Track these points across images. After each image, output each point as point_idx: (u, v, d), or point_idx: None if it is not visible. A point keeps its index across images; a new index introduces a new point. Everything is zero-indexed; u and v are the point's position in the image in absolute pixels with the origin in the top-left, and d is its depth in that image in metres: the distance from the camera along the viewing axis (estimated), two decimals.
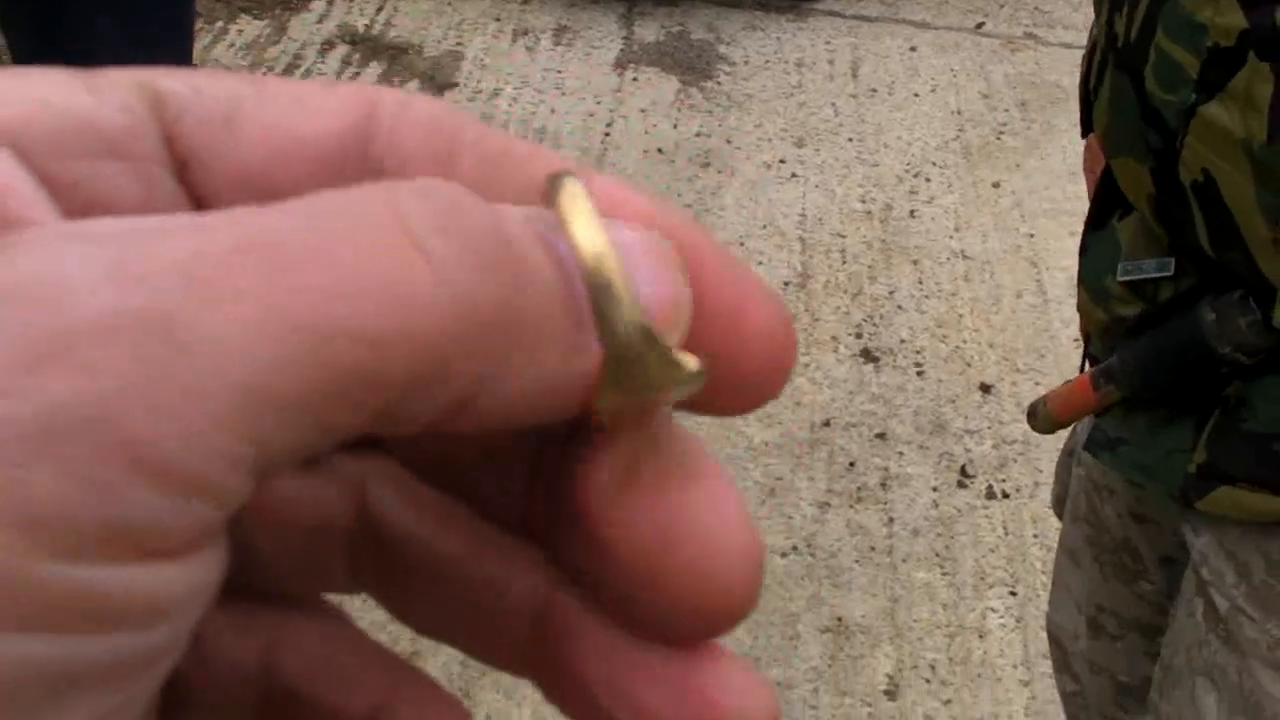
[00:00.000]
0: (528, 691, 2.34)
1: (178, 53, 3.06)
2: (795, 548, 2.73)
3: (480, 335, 0.22)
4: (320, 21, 4.37)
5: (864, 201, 3.72)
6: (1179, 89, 1.16)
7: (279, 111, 0.26)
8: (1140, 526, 1.50)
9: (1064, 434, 1.70)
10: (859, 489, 2.86)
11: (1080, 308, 1.42)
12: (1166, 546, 1.49)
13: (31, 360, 0.19)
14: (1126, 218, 1.34)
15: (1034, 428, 1.48)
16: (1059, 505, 1.71)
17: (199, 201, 0.26)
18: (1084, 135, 1.43)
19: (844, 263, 3.49)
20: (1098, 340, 1.40)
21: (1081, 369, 1.46)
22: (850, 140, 3.99)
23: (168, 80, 0.26)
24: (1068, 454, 1.68)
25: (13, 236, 0.21)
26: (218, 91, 0.26)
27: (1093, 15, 1.36)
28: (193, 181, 0.26)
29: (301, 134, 0.26)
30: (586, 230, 0.24)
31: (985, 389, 3.13)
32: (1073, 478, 1.63)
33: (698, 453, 0.26)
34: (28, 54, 2.94)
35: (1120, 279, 1.32)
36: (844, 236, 3.58)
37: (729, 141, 3.96)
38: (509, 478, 0.29)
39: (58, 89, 0.24)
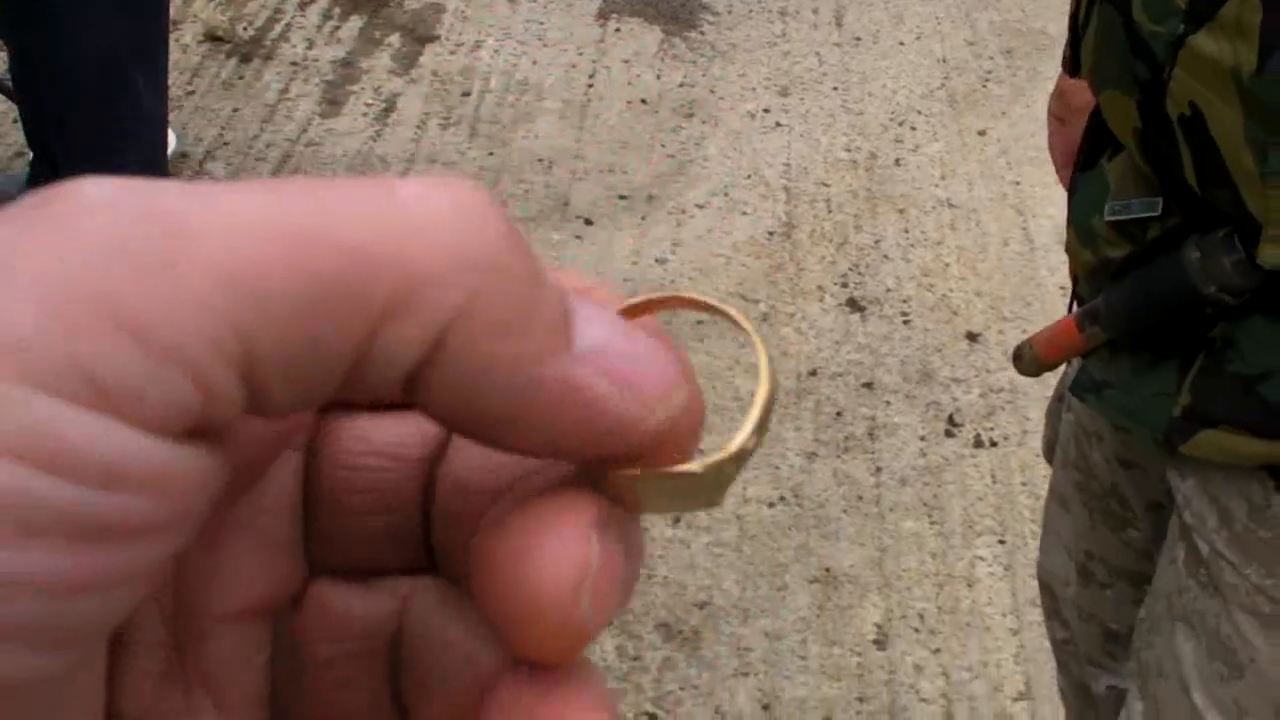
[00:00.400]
0: None
1: (155, 4, 3.03)
2: (783, 498, 2.72)
3: (465, 275, 0.24)
4: None
5: (849, 150, 3.71)
6: (1167, 19, 1.15)
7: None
8: (1128, 472, 1.49)
9: (1052, 381, 1.69)
10: (846, 439, 2.86)
11: (1068, 249, 1.40)
12: (1154, 493, 1.48)
13: (34, 229, 0.22)
14: (1116, 158, 1.33)
15: (1020, 370, 1.47)
16: (1049, 451, 1.70)
17: None
18: (1072, 75, 1.41)
19: (829, 212, 3.47)
20: (1085, 282, 1.38)
21: (1070, 311, 1.45)
22: (835, 89, 3.97)
23: None
24: (1058, 399, 1.67)
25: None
26: None
27: None
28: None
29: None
30: None
31: (972, 337, 3.12)
32: (1062, 423, 1.62)
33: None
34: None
35: (1108, 218, 1.30)
36: (829, 186, 3.57)
37: (713, 92, 3.94)
38: None
39: None
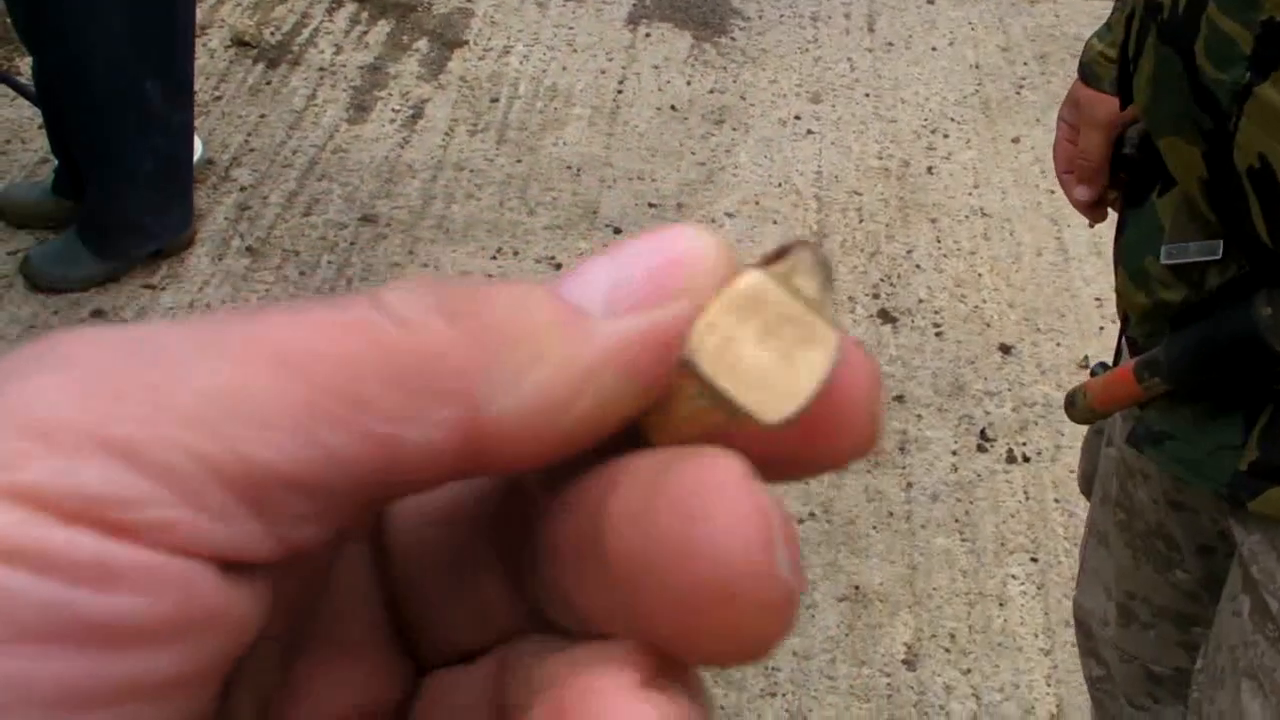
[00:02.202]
0: None
1: (171, 11, 3.03)
2: (812, 514, 2.69)
3: (450, 354, 0.24)
4: None
5: (881, 158, 3.67)
6: (1232, 66, 1.10)
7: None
8: (1177, 514, 1.45)
9: None
10: (876, 453, 2.82)
11: (1118, 290, 1.36)
12: (1205, 535, 1.44)
13: (23, 370, 0.23)
14: (1167, 193, 1.28)
15: (1072, 418, 1.43)
16: (1086, 484, 1.66)
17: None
18: (1123, 106, 1.37)
19: (861, 221, 3.44)
20: (1138, 324, 1.34)
21: (1118, 351, 1.41)
22: (867, 96, 3.93)
23: None
24: (1096, 432, 1.63)
25: None
26: None
27: None
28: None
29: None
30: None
31: (1005, 350, 3.08)
32: (1102, 457, 1.58)
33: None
34: (21, 4, 2.92)
35: (1164, 262, 1.26)
36: (861, 194, 3.54)
37: (743, 98, 3.91)
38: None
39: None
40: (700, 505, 0.24)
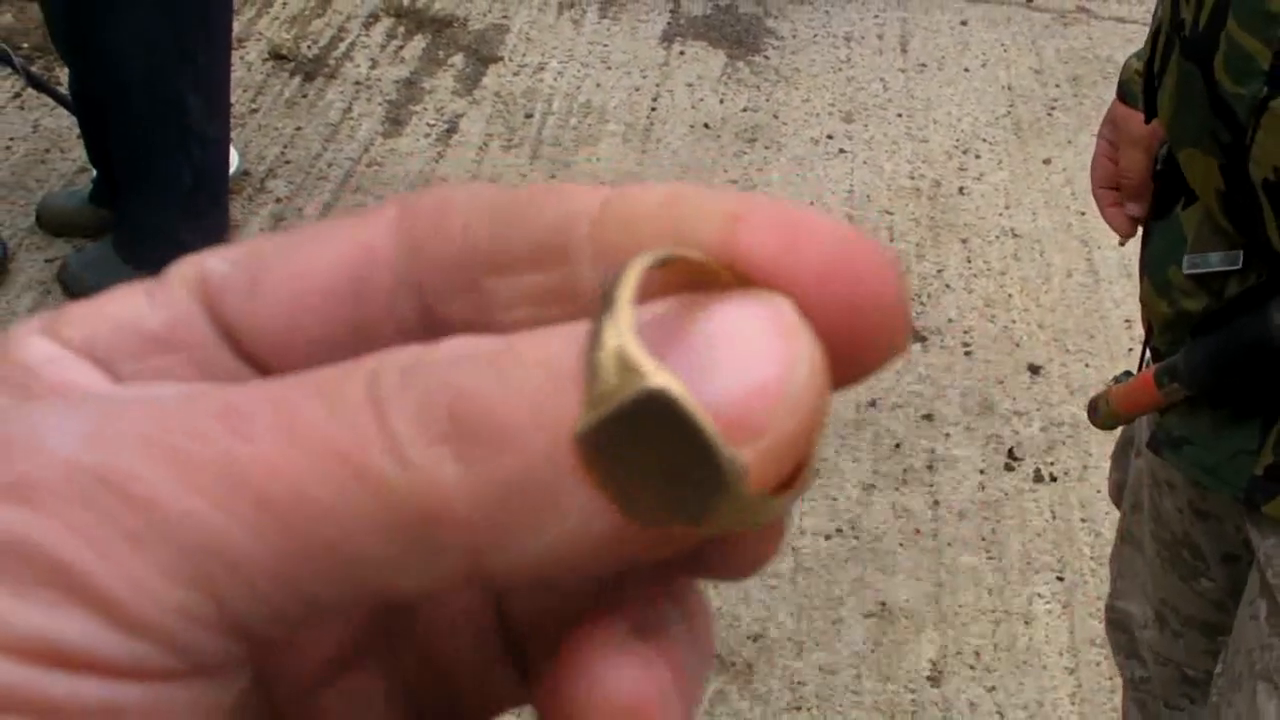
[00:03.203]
0: None
1: (210, 23, 3.05)
2: (839, 530, 2.70)
3: (456, 508, 0.22)
4: None
5: (913, 178, 3.68)
6: (1250, 81, 1.12)
7: (293, 259, 0.27)
8: (1202, 523, 1.47)
9: None
10: (904, 471, 2.83)
11: (1143, 299, 1.38)
12: (1229, 544, 1.45)
13: (1, 493, 0.21)
14: (1191, 206, 1.30)
15: (1095, 424, 1.45)
16: (1118, 492, 1.68)
17: (260, 367, 0.27)
18: (1147, 120, 1.39)
19: (892, 240, 3.45)
20: (1161, 333, 1.36)
21: (1142, 360, 1.43)
22: (899, 116, 3.94)
23: (213, 261, 0.27)
24: (1126, 443, 1.65)
25: (26, 400, 0.24)
26: (247, 258, 0.27)
27: None
28: (247, 351, 0.27)
29: (313, 273, 0.26)
30: (617, 357, 0.21)
31: (1034, 370, 3.09)
32: (1131, 468, 1.60)
33: None
34: (60, 17, 2.95)
35: (1186, 272, 1.28)
36: (892, 214, 3.55)
37: (776, 117, 3.92)
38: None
39: (124, 305, 0.27)
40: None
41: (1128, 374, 1.42)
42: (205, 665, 0.22)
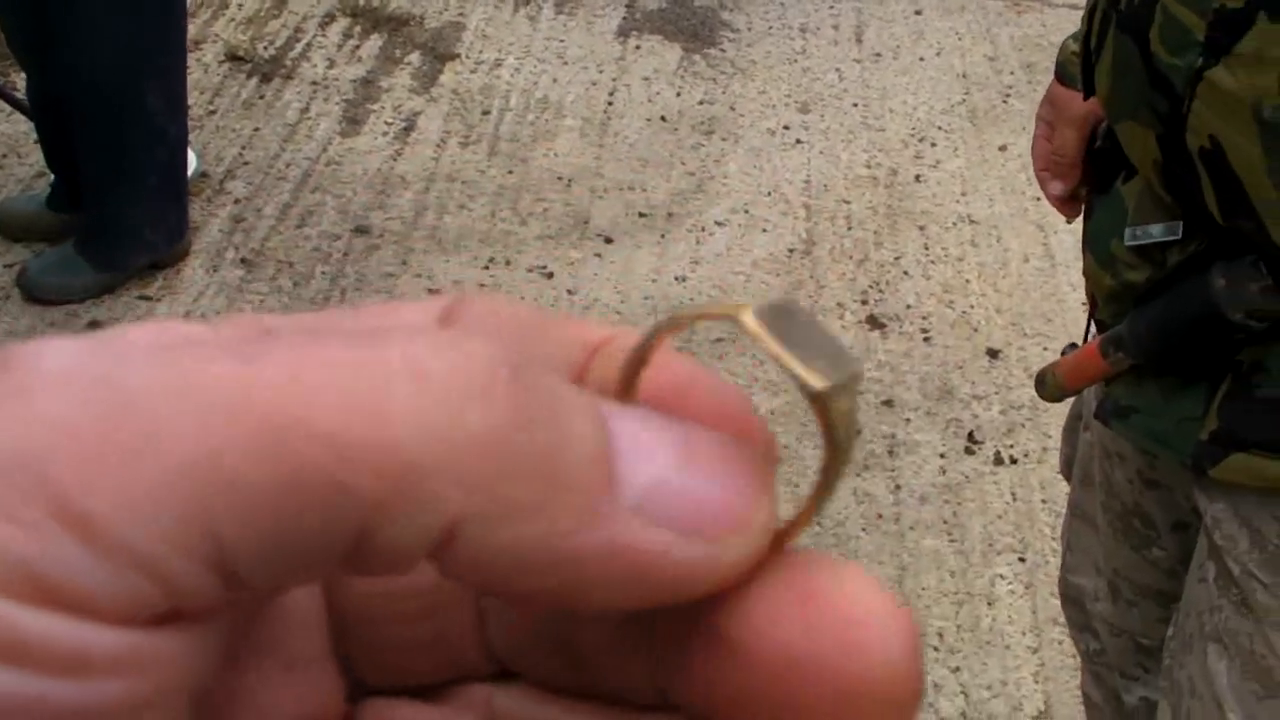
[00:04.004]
0: None
1: (168, 24, 3.05)
2: None
3: (460, 459, 0.21)
4: None
5: (869, 167, 3.70)
6: (1185, 52, 1.14)
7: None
8: (1152, 492, 1.49)
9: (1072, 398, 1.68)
10: (866, 457, 2.84)
11: (1086, 272, 1.39)
12: (1179, 512, 1.47)
13: None
14: (1131, 180, 1.32)
15: (1042, 396, 1.47)
16: (1067, 467, 1.69)
17: None
18: (1085, 98, 1.41)
19: (849, 229, 3.46)
20: (1105, 305, 1.37)
21: (1087, 333, 1.44)
22: (855, 105, 3.96)
23: None
24: (1075, 417, 1.66)
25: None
26: None
27: None
28: None
29: None
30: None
31: (993, 354, 3.11)
32: (1080, 442, 1.61)
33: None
34: (18, 24, 2.95)
35: (1128, 244, 1.30)
36: (849, 203, 3.56)
37: (733, 109, 3.94)
38: (635, 651, 0.26)
39: None
40: (863, 609, 0.23)
41: (1073, 346, 1.43)
42: (184, 610, 0.21)
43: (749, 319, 0.24)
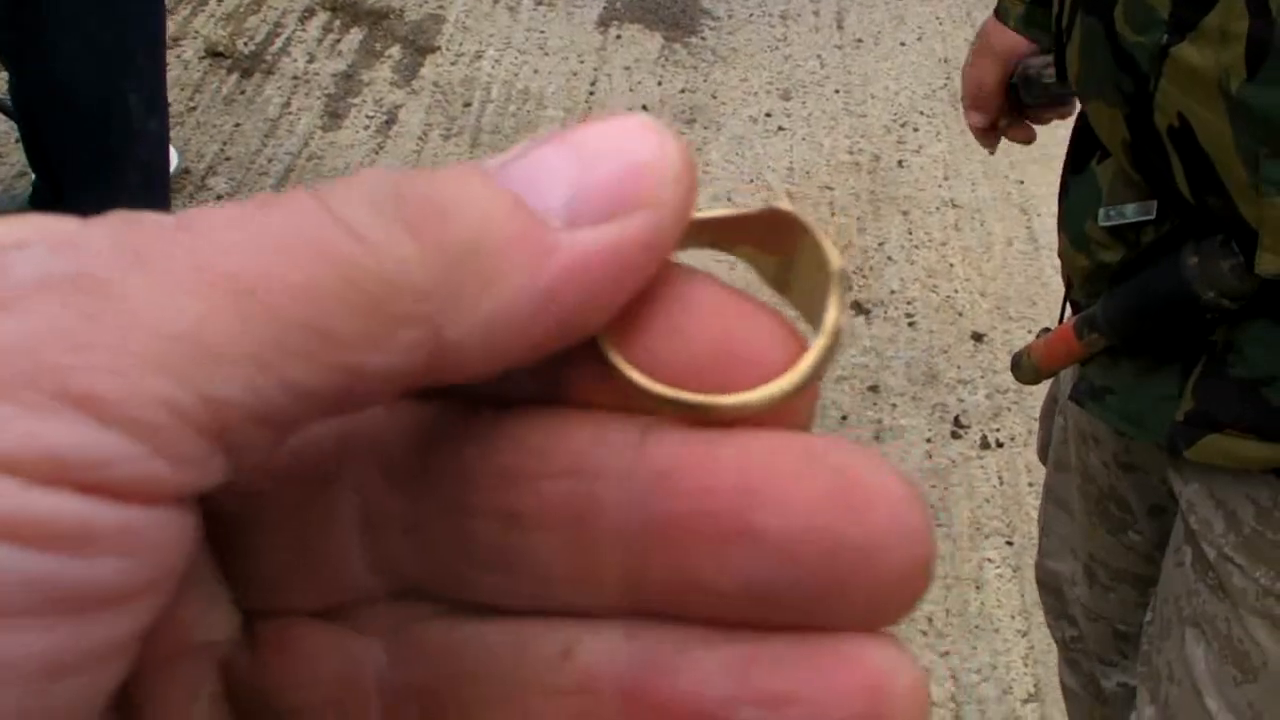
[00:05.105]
0: None
1: (147, 22, 3.04)
2: None
3: (414, 276, 0.23)
4: None
5: (852, 153, 3.70)
6: (1150, 30, 1.14)
7: None
8: (1129, 475, 1.48)
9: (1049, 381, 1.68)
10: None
11: (1061, 254, 1.39)
12: (1155, 495, 1.47)
13: None
14: (1106, 160, 1.32)
15: (1018, 379, 1.47)
16: (1044, 452, 1.69)
17: None
18: (1059, 79, 1.41)
19: (833, 215, 3.46)
20: (1080, 286, 1.37)
21: (1062, 315, 1.44)
22: (837, 92, 3.96)
23: None
24: (1051, 401, 1.66)
25: None
26: None
27: None
28: None
29: None
30: None
31: (977, 338, 3.11)
32: (1055, 426, 1.61)
33: None
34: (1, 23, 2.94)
35: (1102, 224, 1.29)
36: (832, 189, 3.56)
37: (714, 97, 3.93)
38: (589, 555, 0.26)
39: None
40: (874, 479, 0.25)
41: (1048, 330, 1.43)
42: (187, 480, 0.22)
43: (788, 206, 0.28)
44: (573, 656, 0.26)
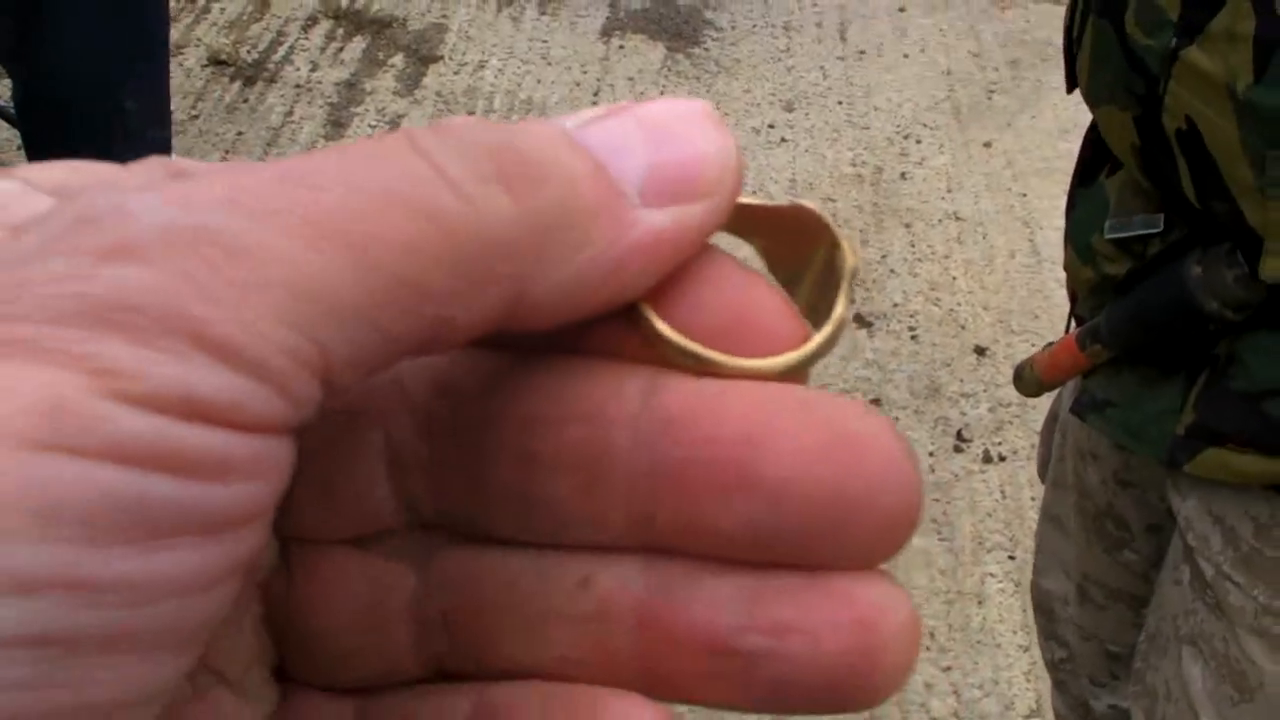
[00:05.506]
0: None
1: (149, 29, 3.04)
2: None
3: (510, 237, 0.25)
4: None
5: (855, 165, 3.70)
6: (1160, 32, 1.14)
7: None
8: (1126, 492, 1.47)
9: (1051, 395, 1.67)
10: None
11: (1067, 266, 1.38)
12: (1154, 513, 1.46)
13: (103, 255, 0.23)
14: (1115, 174, 1.31)
15: (1020, 391, 1.46)
16: (1043, 468, 1.68)
17: None
18: (1069, 90, 1.40)
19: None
20: (1085, 299, 1.37)
21: (1068, 328, 1.43)
22: (840, 103, 3.96)
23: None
24: (1052, 418, 1.65)
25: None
26: None
27: None
28: None
29: None
30: None
31: (980, 351, 3.10)
32: (1054, 444, 1.60)
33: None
34: (2, 31, 2.94)
35: (1108, 236, 1.29)
36: (835, 201, 3.56)
37: (717, 107, 3.89)
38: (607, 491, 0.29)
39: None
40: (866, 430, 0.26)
41: (1052, 344, 1.43)
42: (301, 415, 0.24)
43: (814, 206, 0.30)
44: (591, 585, 0.28)
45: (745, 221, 0.30)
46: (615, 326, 0.28)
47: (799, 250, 0.31)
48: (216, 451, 0.23)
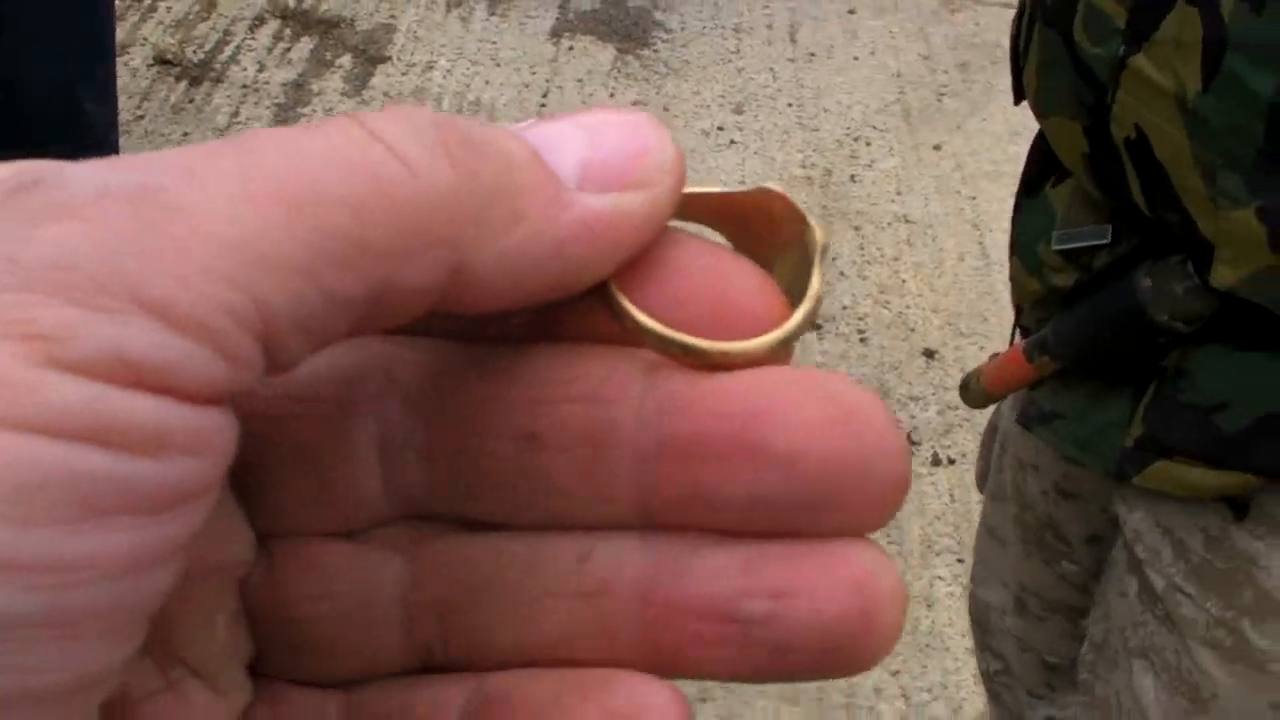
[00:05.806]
0: None
1: (99, 31, 3.03)
2: None
3: (449, 201, 0.25)
4: None
5: (804, 167, 3.70)
6: (1108, 41, 1.13)
7: None
8: (1067, 503, 1.46)
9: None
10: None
11: (1012, 277, 1.37)
12: (1094, 525, 1.45)
13: (39, 218, 0.22)
14: (1061, 184, 1.30)
15: (966, 402, 1.45)
16: (982, 480, 1.67)
17: None
18: (1016, 102, 1.39)
19: None
20: (1030, 311, 1.36)
21: (1012, 340, 1.42)
22: (789, 105, 3.95)
23: None
24: (991, 430, 1.64)
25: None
26: None
27: None
28: None
29: None
30: None
31: (929, 354, 3.11)
32: (994, 455, 1.59)
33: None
34: None
35: (1055, 247, 1.28)
36: None
37: (667, 109, 3.92)
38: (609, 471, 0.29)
39: None
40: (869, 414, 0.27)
41: (998, 355, 1.42)
42: (240, 380, 0.24)
43: (779, 188, 0.31)
44: (590, 560, 0.29)
45: (710, 210, 0.31)
46: (604, 320, 0.29)
47: (768, 235, 0.31)
48: (152, 422, 0.22)
